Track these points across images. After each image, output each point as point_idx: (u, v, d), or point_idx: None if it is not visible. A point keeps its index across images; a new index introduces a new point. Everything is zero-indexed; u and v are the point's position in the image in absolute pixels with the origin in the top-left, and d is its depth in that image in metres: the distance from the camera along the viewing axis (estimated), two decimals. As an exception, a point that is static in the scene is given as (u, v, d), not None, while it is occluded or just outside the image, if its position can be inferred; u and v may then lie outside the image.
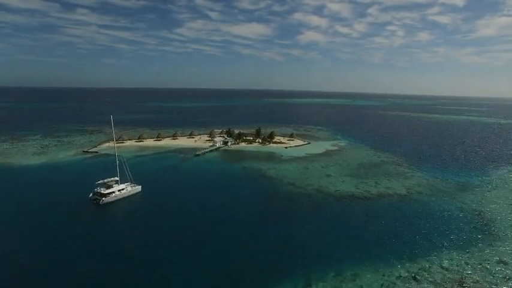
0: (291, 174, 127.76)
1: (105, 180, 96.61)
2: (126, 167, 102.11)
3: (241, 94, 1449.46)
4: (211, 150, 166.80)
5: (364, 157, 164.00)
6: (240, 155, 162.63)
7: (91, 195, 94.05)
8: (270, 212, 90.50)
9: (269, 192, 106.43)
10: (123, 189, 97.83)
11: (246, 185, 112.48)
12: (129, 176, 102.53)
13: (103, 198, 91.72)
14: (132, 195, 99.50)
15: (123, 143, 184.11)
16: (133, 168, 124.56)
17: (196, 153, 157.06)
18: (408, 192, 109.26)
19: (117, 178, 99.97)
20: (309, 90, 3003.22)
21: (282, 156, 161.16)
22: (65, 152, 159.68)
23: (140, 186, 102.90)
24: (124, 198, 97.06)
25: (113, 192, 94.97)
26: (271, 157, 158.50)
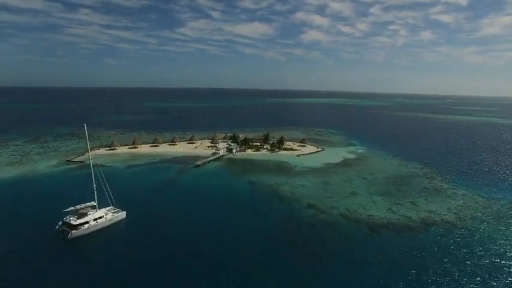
0: (309, 192, 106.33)
1: (77, 207, 75.79)
2: (106, 187, 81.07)
3: (244, 94, 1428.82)
4: (213, 159, 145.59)
5: (389, 168, 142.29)
6: (247, 165, 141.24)
7: (58, 225, 73.25)
8: (288, 250, 69.27)
9: (285, 219, 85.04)
10: (100, 218, 76.87)
11: (256, 209, 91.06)
12: (110, 198, 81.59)
13: (72, 231, 70.82)
14: (113, 224, 78.52)
15: (114, 150, 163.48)
16: (120, 185, 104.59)
17: (196, 163, 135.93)
18: (458, 218, 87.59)
19: (94, 203, 78.98)
20: (313, 90, 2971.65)
21: (295, 166, 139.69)
22: (46, 161, 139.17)
23: (124, 212, 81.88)
24: (102, 229, 76.07)
25: (87, 222, 74.02)
26: (282, 168, 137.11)
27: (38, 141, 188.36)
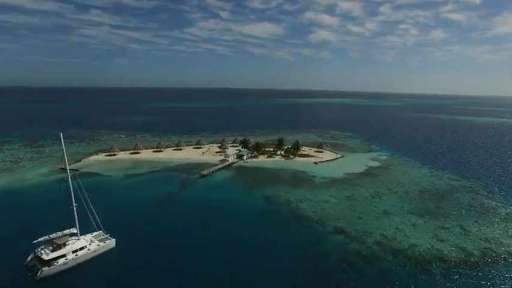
0: (334, 210, 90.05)
1: (52, 236, 61.05)
2: (90, 208, 66.26)
3: (253, 94, 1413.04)
4: (222, 168, 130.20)
5: (420, 179, 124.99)
6: (260, 175, 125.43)
7: (28, 259, 58.66)
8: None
9: (307, 249, 69.11)
10: (81, 249, 61.91)
11: (272, 236, 75.04)
12: (96, 222, 66.93)
13: (43, 269, 56.03)
14: (99, 256, 63.48)
15: (114, 155, 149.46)
16: (112, 201, 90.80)
17: (203, 172, 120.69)
18: (526, 250, 70.25)
19: (74, 230, 64.19)
20: (322, 90, 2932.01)
21: (314, 176, 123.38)
22: (37, 169, 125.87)
23: (114, 240, 66.76)
24: (84, 263, 61.16)
25: (63, 256, 59.15)
26: (300, 179, 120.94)
27: (34, 144, 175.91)
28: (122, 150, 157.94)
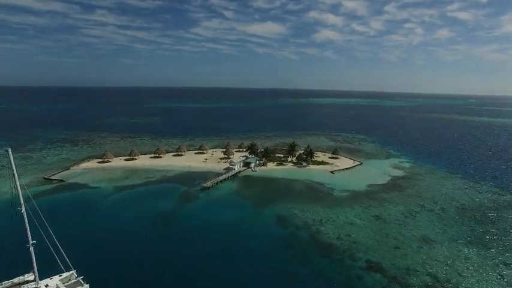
0: (363, 237, 73.81)
1: (-1, 287, 45.57)
2: (55, 242, 50.46)
3: (258, 94, 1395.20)
4: (226, 178, 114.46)
5: (456, 192, 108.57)
6: (271, 187, 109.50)
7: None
8: None
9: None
10: (39, 303, 46.19)
11: (290, 274, 59.04)
12: (62, 259, 51.07)
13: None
14: (64, 308, 47.75)
15: (107, 162, 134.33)
16: (94, 224, 75.32)
17: (205, 184, 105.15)
18: None
19: (30, 276, 48.50)
20: (327, 89, 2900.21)
21: (333, 189, 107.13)
22: (19, 178, 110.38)
23: (87, 286, 50.80)
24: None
25: (11, 316, 43.62)
26: (317, 192, 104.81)
27: (22, 149, 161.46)
28: (116, 156, 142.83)
